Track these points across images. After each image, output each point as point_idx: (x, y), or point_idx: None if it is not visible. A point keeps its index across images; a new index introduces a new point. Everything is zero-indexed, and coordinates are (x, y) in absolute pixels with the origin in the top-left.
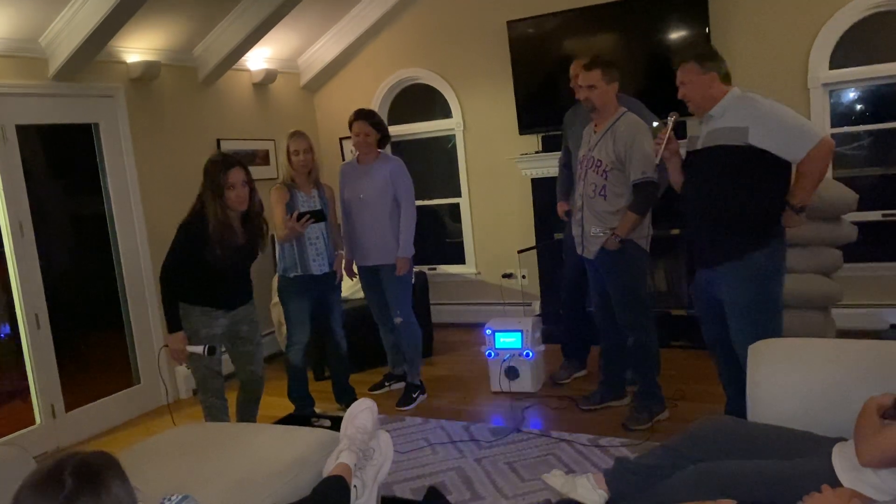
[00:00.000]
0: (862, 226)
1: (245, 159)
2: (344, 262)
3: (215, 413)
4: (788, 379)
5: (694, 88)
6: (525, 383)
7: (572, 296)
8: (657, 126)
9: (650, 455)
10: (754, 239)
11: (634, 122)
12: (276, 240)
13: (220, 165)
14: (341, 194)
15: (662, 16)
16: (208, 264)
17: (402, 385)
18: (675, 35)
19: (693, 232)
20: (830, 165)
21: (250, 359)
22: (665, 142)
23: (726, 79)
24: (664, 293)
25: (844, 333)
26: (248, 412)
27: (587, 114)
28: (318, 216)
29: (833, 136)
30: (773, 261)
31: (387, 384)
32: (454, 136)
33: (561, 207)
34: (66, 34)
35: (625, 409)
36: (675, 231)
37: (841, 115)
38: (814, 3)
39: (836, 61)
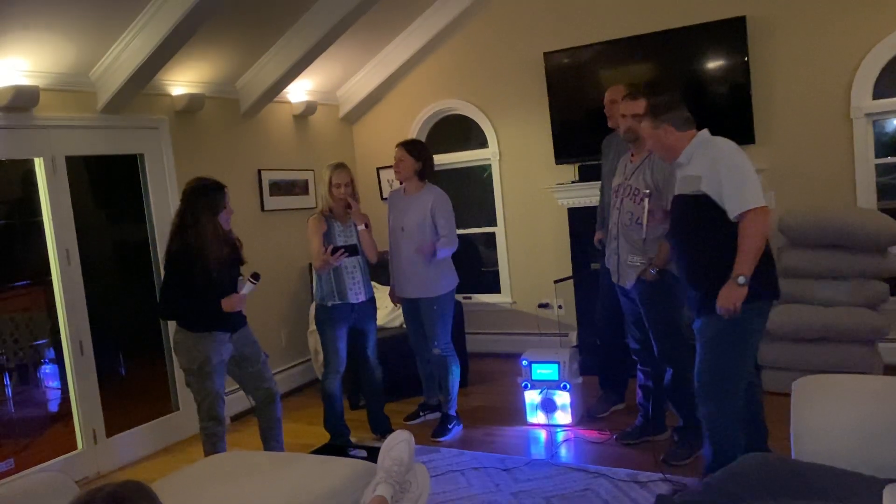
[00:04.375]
0: None
1: (285, 189)
2: (388, 290)
3: (215, 441)
4: (834, 416)
5: (652, 142)
6: (562, 415)
7: (609, 326)
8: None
9: (692, 493)
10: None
11: None
12: (313, 269)
13: (218, 188)
14: (389, 222)
15: (700, 45)
16: (206, 285)
17: (436, 415)
18: (714, 65)
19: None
20: (875, 198)
21: (260, 377)
22: (645, 221)
23: (687, 124)
24: None
25: (892, 368)
26: (271, 436)
27: (620, 143)
28: (351, 250)
29: (877, 166)
30: (734, 328)
31: (422, 414)
32: (490, 165)
33: (597, 236)
34: (114, 69)
35: (664, 443)
36: None
37: (885, 146)
38: (856, 32)
39: (880, 91)
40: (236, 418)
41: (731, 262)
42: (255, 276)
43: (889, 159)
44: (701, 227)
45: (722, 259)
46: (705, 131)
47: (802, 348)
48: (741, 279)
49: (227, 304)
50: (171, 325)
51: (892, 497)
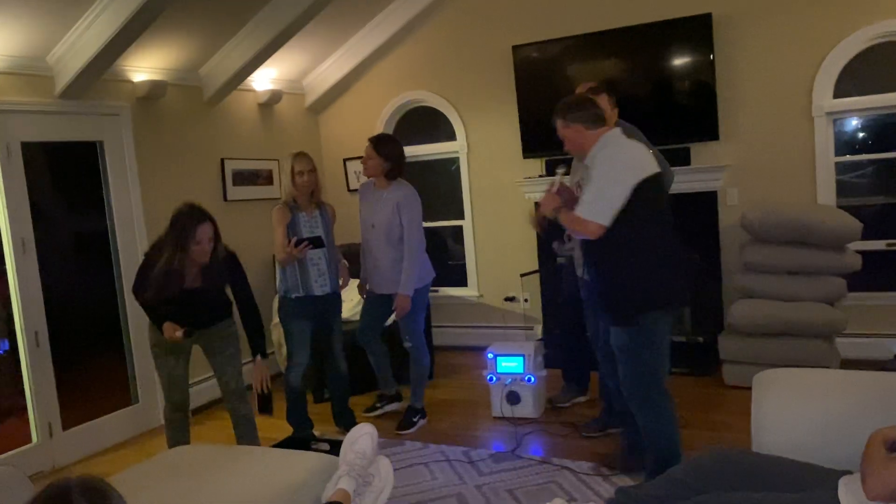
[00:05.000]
0: (866, 255)
1: (248, 178)
2: (357, 282)
3: (172, 428)
4: (793, 409)
5: (567, 141)
6: (526, 408)
7: (571, 320)
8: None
9: (652, 485)
10: (621, 313)
11: None
12: (276, 261)
13: (191, 220)
14: (360, 213)
15: (667, 42)
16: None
17: (394, 406)
18: (680, 61)
19: None
20: (834, 195)
21: (223, 370)
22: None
23: (597, 122)
24: None
25: (849, 363)
26: (238, 433)
27: None
28: (316, 242)
29: (837, 164)
30: (637, 339)
31: (378, 405)
32: (458, 158)
33: (556, 243)
34: (73, 53)
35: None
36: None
37: (844, 144)
38: (819, 32)
39: (841, 90)
40: (203, 409)
41: (626, 271)
42: (189, 332)
43: (848, 157)
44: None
45: (617, 268)
46: (615, 130)
47: (763, 343)
48: (555, 213)
49: (167, 330)
50: (132, 317)
51: (847, 489)
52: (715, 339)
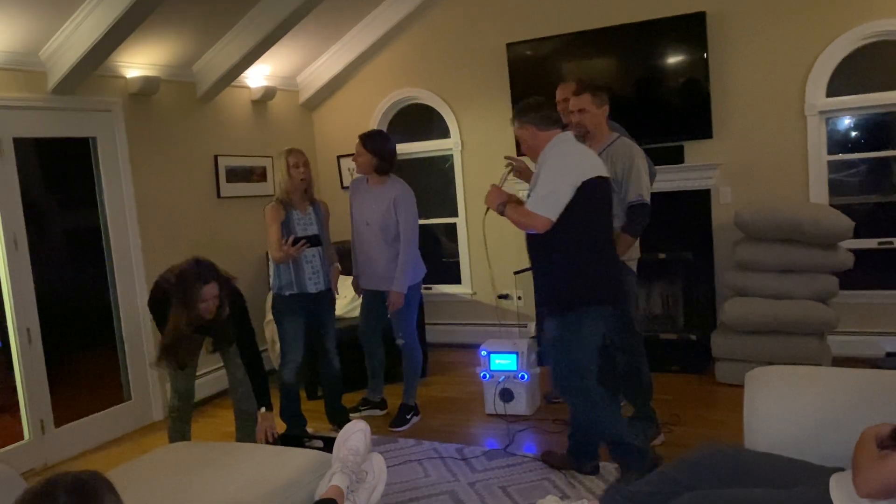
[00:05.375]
0: (858, 253)
1: (242, 175)
2: (351, 279)
3: (174, 419)
4: (785, 407)
5: (523, 142)
6: (520, 406)
7: None
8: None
9: (646, 482)
10: (555, 306)
11: (630, 146)
12: (270, 258)
13: (198, 280)
14: (351, 210)
15: (661, 41)
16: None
17: (376, 412)
18: (674, 59)
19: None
20: (827, 193)
21: (230, 360)
22: (493, 190)
23: (550, 123)
24: (659, 317)
25: (840, 360)
26: (243, 427)
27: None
28: (313, 241)
29: (829, 163)
30: (567, 332)
31: (361, 408)
32: (452, 155)
33: None
34: (66, 48)
35: None
36: (676, 255)
37: (837, 143)
38: (812, 31)
39: (833, 89)
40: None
41: (561, 267)
42: (182, 365)
43: (841, 156)
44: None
45: (552, 263)
46: (566, 133)
47: (755, 340)
48: (501, 207)
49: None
50: (125, 314)
51: (838, 485)
52: (707, 337)
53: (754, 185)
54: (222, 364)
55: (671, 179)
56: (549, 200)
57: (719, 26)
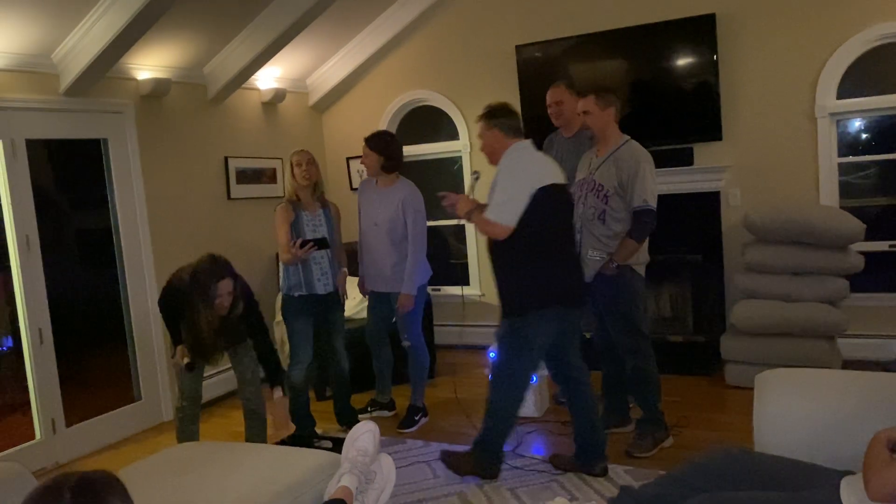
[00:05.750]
0: (868, 256)
1: (252, 177)
2: (357, 280)
3: (181, 419)
4: (795, 409)
5: (485, 144)
6: (528, 407)
7: None
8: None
9: (655, 484)
10: (506, 308)
11: (638, 150)
12: (279, 260)
13: (212, 276)
14: (359, 212)
15: (670, 42)
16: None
17: (385, 413)
18: (683, 61)
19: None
20: (837, 196)
21: (240, 360)
22: (462, 200)
23: (514, 133)
24: (667, 319)
25: (850, 363)
26: (252, 427)
27: (562, 141)
28: (321, 244)
29: (840, 165)
30: (515, 332)
31: (370, 409)
32: (460, 157)
33: None
34: (78, 50)
35: (628, 435)
36: (685, 257)
37: (848, 145)
38: (822, 33)
39: (844, 91)
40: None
41: (515, 271)
42: (190, 367)
43: (851, 158)
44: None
45: (508, 266)
46: (525, 142)
47: (765, 343)
48: (468, 215)
49: (177, 353)
50: (135, 314)
51: (849, 489)
52: (716, 340)
53: (764, 188)
54: (230, 365)
55: (680, 181)
56: (506, 208)
57: (729, 28)
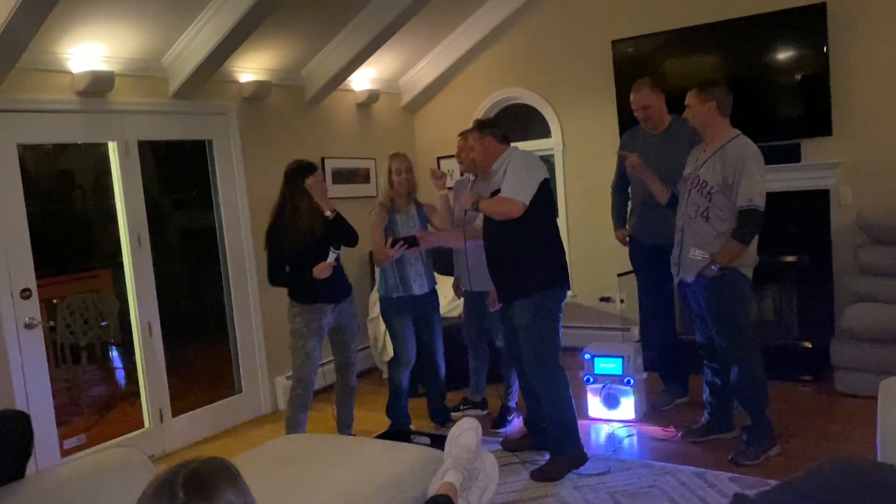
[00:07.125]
0: None
1: (347, 177)
2: (452, 281)
3: (295, 405)
4: None
5: (476, 151)
6: (625, 411)
7: (656, 319)
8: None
9: (772, 492)
10: (520, 289)
11: (746, 146)
12: (372, 260)
13: (305, 171)
14: (453, 211)
15: (776, 34)
16: (298, 257)
17: (477, 412)
18: (789, 54)
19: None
20: None
21: (345, 348)
22: (465, 193)
23: (504, 139)
24: (771, 323)
25: None
26: (342, 401)
27: (646, 138)
28: (410, 242)
29: None
30: (538, 313)
31: (462, 408)
32: (553, 156)
33: (621, 234)
34: (186, 55)
35: (732, 442)
36: (790, 258)
37: None
38: None
39: None
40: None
41: (525, 256)
42: (336, 246)
43: None
44: (504, 224)
45: (520, 250)
46: (514, 145)
47: (881, 349)
48: (475, 205)
49: (317, 270)
50: (237, 310)
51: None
52: (824, 345)
53: (878, 185)
54: (331, 358)
55: (786, 179)
56: (520, 188)
57: (841, 18)
